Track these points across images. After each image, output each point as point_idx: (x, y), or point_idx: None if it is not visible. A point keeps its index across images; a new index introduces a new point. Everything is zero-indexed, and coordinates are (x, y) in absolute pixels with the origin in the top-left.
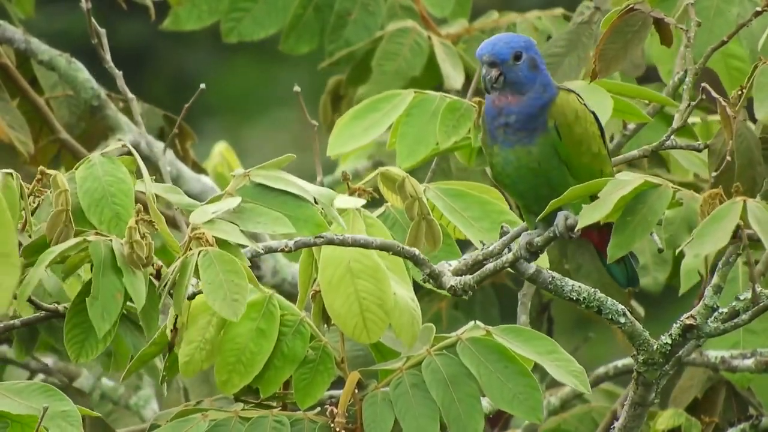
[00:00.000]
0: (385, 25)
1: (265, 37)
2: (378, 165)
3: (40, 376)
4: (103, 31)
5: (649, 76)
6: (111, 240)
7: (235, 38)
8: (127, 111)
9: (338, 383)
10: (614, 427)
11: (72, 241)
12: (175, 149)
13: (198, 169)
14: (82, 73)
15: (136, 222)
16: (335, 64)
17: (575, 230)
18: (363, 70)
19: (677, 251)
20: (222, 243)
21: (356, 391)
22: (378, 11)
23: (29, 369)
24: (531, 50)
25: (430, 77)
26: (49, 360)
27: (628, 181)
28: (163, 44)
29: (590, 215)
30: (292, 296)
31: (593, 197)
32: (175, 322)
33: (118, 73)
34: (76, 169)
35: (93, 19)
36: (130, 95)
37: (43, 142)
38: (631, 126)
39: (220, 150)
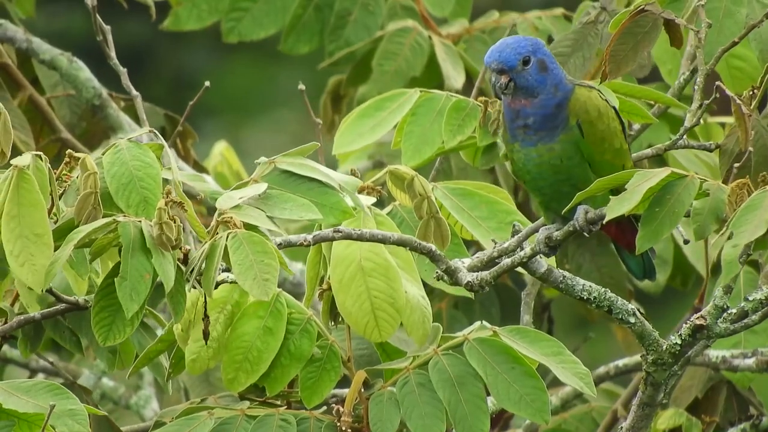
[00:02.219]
0: (386, 24)
1: (265, 37)
2: (378, 165)
3: (41, 375)
4: (108, 27)
5: (650, 75)
6: (140, 221)
7: (235, 38)
8: (128, 110)
9: (344, 382)
10: (622, 427)
11: (101, 222)
12: (176, 148)
13: (199, 168)
14: (83, 72)
15: (166, 203)
16: (335, 64)
17: (598, 223)
18: (363, 70)
19: (675, 247)
20: (249, 229)
21: (362, 390)
22: (378, 11)
23: (30, 369)
24: (539, 52)
25: (431, 77)
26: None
27: (654, 172)
28: (163, 44)
29: (618, 207)
30: (292, 295)
31: (614, 192)
32: (205, 310)
33: (123, 70)
34: (103, 154)
35: (98, 16)
36: (135, 92)
37: (44, 141)
38: (636, 126)
39: (221, 150)
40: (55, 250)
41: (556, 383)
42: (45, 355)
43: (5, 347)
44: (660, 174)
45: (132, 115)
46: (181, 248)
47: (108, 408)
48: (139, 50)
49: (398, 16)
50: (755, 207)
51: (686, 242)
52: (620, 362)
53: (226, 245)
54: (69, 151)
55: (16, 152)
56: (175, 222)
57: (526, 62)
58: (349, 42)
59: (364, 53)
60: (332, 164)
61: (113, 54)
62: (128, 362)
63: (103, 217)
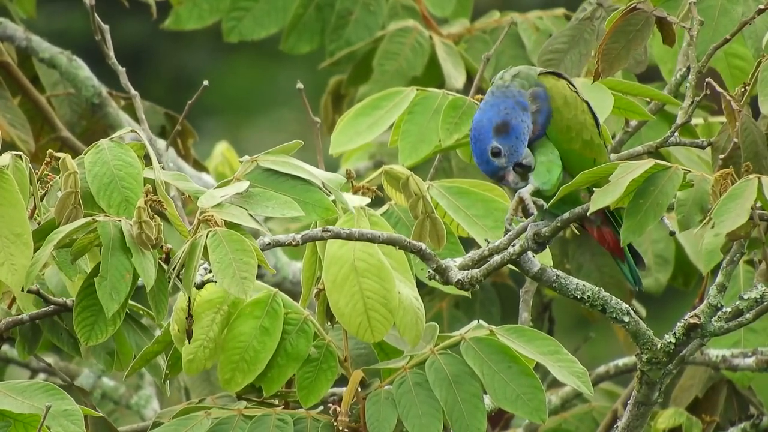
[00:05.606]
0: (386, 24)
1: (265, 36)
2: (380, 164)
3: (42, 375)
4: (106, 27)
5: (651, 75)
6: (120, 221)
7: (236, 38)
8: (128, 109)
9: (341, 382)
10: (617, 427)
11: (80, 221)
12: (176, 147)
13: (199, 167)
14: (83, 71)
15: (145, 202)
16: (336, 63)
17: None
18: (364, 69)
19: (677, 246)
20: (231, 228)
21: (359, 389)
22: (379, 11)
23: (30, 368)
24: (488, 129)
25: (432, 77)
26: (50, 360)
27: (637, 164)
28: (163, 44)
29: (602, 199)
30: (292, 295)
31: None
32: (189, 310)
33: (122, 70)
34: (84, 155)
35: (96, 16)
36: (133, 92)
37: (44, 140)
38: (633, 123)
39: (222, 150)
40: (37, 251)
41: (556, 383)
42: (46, 355)
43: (6, 347)
44: (643, 166)
45: (132, 113)
46: (162, 247)
47: (108, 408)
48: (139, 50)
49: (399, 15)
50: (737, 196)
51: (672, 234)
52: (620, 361)
53: (206, 243)
54: (50, 151)
55: (15, 150)
56: (154, 220)
57: (495, 154)
58: (349, 42)
59: (364, 53)
60: (335, 164)
61: (112, 53)
62: (126, 363)
63: (84, 217)
